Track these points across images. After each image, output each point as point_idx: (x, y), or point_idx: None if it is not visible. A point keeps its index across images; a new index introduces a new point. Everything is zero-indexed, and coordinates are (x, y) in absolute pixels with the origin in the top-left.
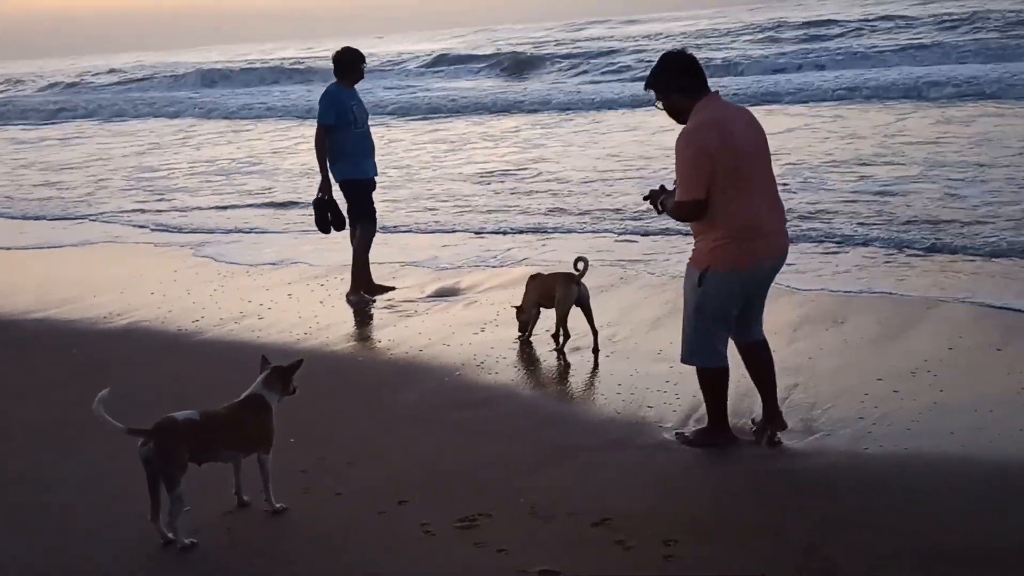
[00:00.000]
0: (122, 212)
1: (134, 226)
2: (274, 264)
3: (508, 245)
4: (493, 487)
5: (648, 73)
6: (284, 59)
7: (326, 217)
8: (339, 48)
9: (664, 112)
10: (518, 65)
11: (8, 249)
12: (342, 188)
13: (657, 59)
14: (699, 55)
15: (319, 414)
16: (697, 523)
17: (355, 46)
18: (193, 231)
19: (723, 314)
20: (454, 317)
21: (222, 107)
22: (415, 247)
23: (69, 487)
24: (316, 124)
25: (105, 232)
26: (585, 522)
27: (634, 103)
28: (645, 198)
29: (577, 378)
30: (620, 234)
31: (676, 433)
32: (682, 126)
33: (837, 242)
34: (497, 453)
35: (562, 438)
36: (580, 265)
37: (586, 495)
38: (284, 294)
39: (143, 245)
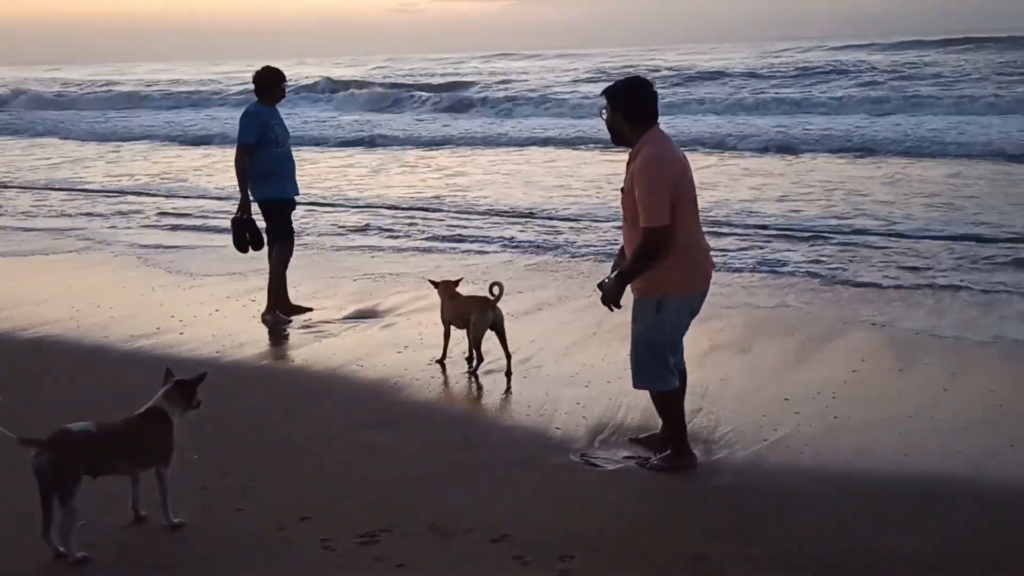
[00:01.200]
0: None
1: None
2: (206, 277)
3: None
4: (395, 504)
5: (610, 84)
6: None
7: (244, 236)
8: (259, 68)
9: (604, 123)
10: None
11: None
12: (261, 208)
13: (626, 78)
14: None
15: (226, 430)
16: (593, 539)
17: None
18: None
19: (676, 338)
20: (371, 338)
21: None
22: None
23: None
24: (237, 144)
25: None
26: (484, 538)
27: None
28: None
29: (488, 399)
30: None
31: (645, 463)
32: (623, 146)
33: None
34: (402, 471)
35: (468, 457)
36: (495, 290)
37: (487, 512)
38: (212, 308)
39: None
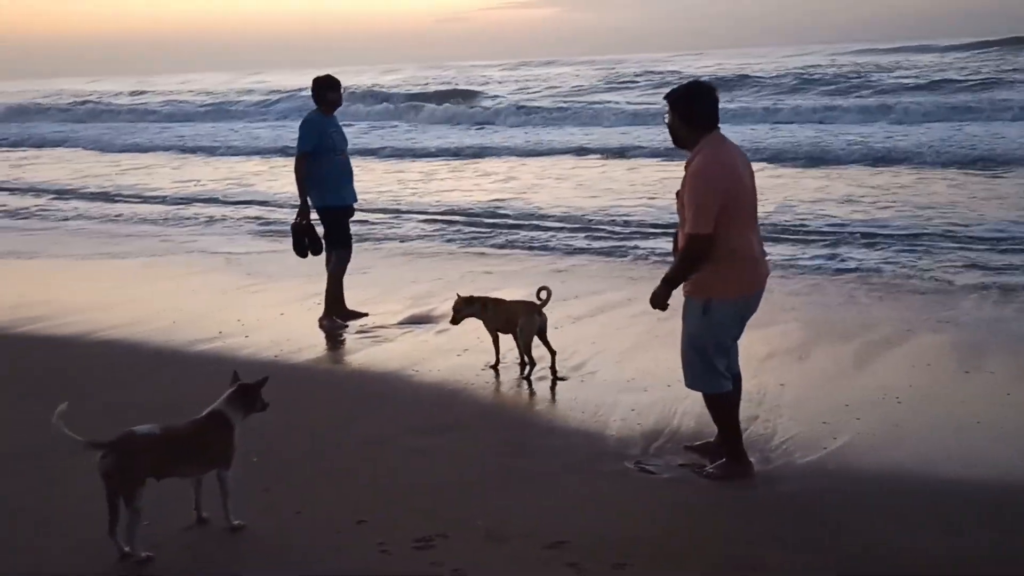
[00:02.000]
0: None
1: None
2: (275, 280)
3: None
4: (450, 509)
5: (672, 88)
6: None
7: (303, 242)
8: (318, 76)
9: (666, 127)
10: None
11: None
12: (319, 214)
13: (688, 82)
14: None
15: (284, 434)
16: (649, 546)
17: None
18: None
19: (725, 342)
20: (426, 343)
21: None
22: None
23: (33, 501)
24: (296, 152)
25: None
26: (538, 544)
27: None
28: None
29: (542, 405)
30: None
31: (700, 470)
32: (682, 149)
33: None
34: (456, 476)
35: (522, 463)
36: (543, 295)
37: (541, 518)
38: (277, 312)
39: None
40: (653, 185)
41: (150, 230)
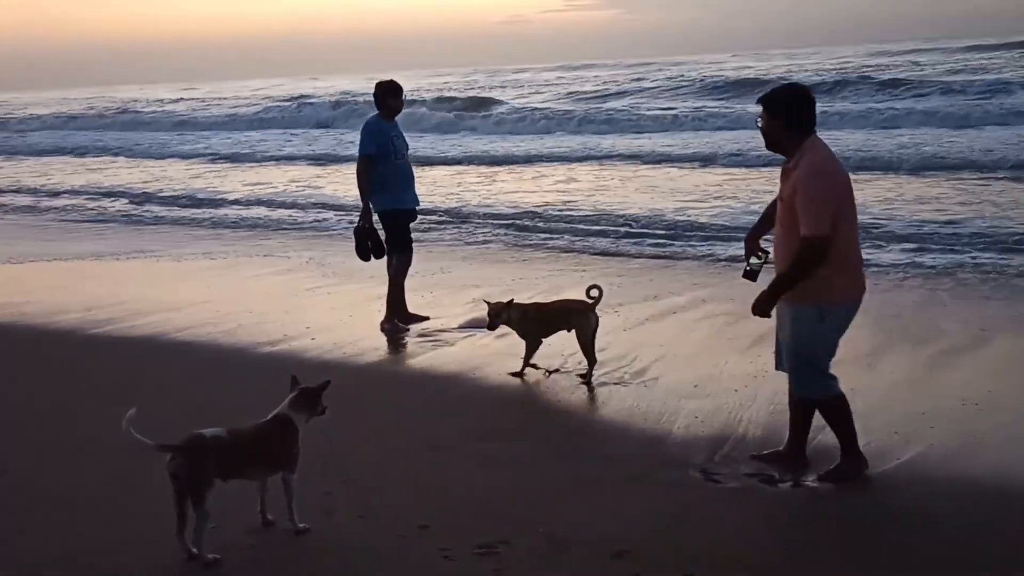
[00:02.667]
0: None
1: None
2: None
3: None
4: (512, 515)
5: (766, 91)
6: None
7: (366, 245)
8: (381, 81)
9: (760, 130)
10: None
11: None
12: (381, 218)
13: (785, 84)
14: None
15: (345, 437)
16: (715, 558)
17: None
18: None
19: (834, 346)
20: (486, 348)
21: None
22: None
23: (98, 502)
24: (358, 156)
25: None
26: (603, 552)
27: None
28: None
29: (603, 410)
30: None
31: (768, 479)
32: (777, 154)
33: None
34: (518, 482)
35: (584, 470)
36: (594, 292)
37: (605, 527)
38: (345, 315)
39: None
40: (719, 187)
41: (217, 233)
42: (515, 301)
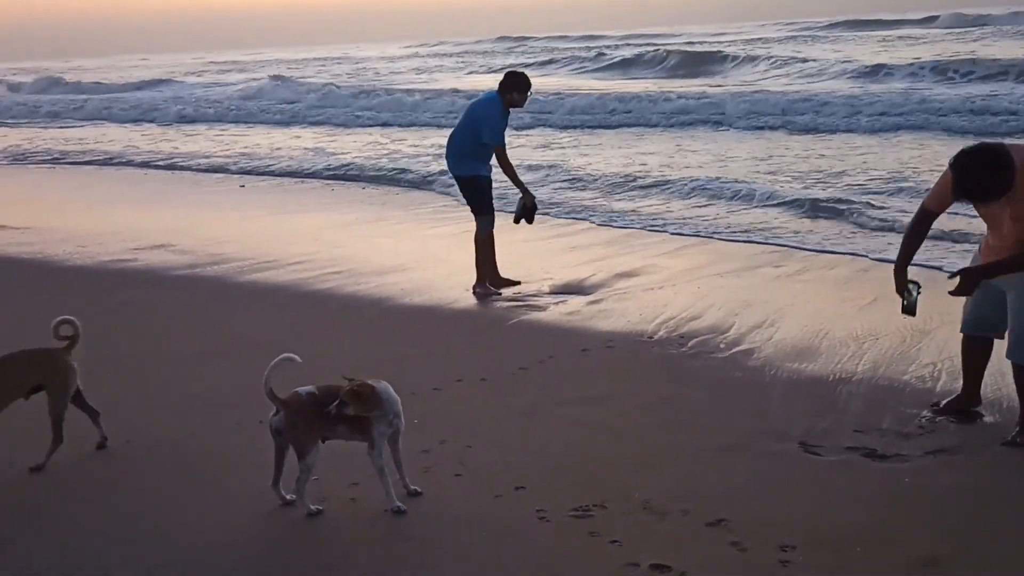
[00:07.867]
0: None
1: None
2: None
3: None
4: (608, 480)
5: (972, 184)
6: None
7: (521, 212)
8: (516, 71)
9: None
10: None
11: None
12: (469, 182)
13: (968, 151)
14: None
15: (440, 399)
16: (815, 531)
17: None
18: None
19: None
20: (578, 314)
21: None
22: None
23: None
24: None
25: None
26: (699, 521)
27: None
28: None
29: (697, 379)
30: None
31: (871, 453)
32: None
33: None
34: (614, 448)
35: (679, 438)
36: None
37: (702, 495)
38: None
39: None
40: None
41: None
42: None
